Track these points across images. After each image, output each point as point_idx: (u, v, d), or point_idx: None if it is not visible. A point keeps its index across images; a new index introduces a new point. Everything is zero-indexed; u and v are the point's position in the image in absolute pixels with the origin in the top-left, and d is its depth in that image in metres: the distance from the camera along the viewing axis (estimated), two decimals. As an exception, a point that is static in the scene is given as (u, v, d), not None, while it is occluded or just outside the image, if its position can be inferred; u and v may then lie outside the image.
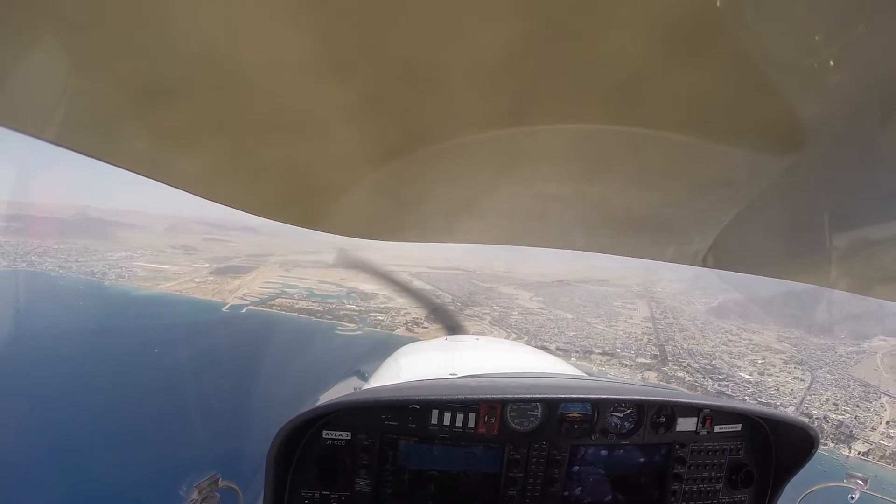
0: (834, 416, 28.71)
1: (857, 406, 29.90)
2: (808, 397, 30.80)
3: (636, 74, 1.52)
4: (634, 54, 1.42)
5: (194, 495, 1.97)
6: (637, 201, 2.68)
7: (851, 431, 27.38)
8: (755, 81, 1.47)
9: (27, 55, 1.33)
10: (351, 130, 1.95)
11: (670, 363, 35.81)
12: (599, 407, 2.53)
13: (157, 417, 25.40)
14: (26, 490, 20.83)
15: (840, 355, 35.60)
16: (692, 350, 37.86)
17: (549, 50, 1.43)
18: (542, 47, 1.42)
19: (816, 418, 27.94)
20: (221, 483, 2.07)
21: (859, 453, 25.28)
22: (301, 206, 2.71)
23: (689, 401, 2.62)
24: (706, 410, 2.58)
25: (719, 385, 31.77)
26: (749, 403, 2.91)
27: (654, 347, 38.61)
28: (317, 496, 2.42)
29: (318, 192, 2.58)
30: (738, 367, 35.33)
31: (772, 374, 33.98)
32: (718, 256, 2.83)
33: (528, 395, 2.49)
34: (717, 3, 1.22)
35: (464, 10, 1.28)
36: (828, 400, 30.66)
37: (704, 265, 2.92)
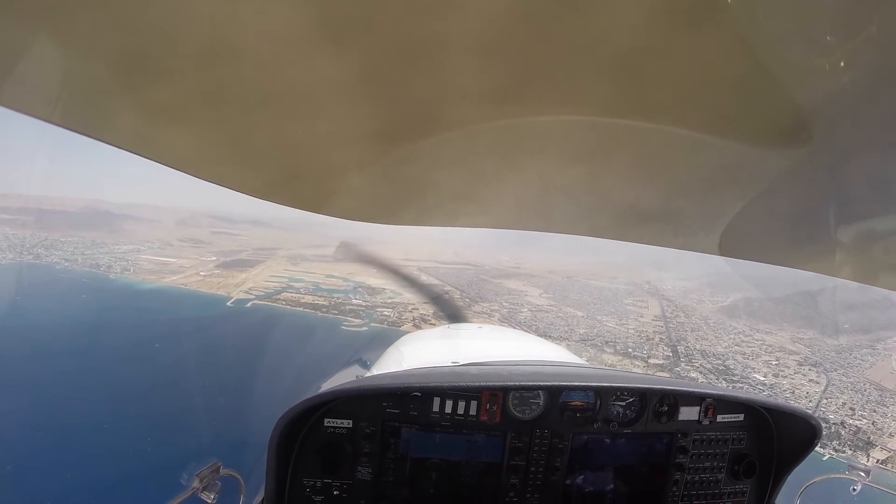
0: (851, 421, 28.01)
1: (874, 411, 29.21)
2: (825, 401, 30.22)
3: (636, 63, 1.51)
4: (634, 42, 1.40)
5: (195, 483, 1.95)
6: (644, 189, 2.65)
7: (869, 438, 26.66)
8: (763, 73, 1.47)
9: (17, 31, 1.31)
10: (349, 109, 1.89)
11: (683, 363, 35.36)
12: (602, 395, 2.52)
13: (154, 411, 25.58)
14: (29, 477, 21.11)
15: (855, 357, 35.14)
16: (705, 351, 37.42)
17: (546, 19, 1.37)
18: (538, 17, 1.36)
19: (833, 423, 27.24)
20: (223, 471, 2.05)
21: (878, 461, 24.27)
22: (300, 188, 2.67)
23: (692, 389, 2.61)
24: (709, 400, 2.58)
25: (734, 387, 31.13)
26: (752, 393, 2.87)
27: (666, 348, 38.20)
28: (318, 484, 2.39)
29: (317, 173, 2.52)
30: (752, 368, 34.92)
31: (786, 376, 33.54)
32: (725, 244, 2.80)
33: (530, 383, 2.45)
34: None
35: None
36: (844, 404, 30.03)
37: (712, 253, 2.92)
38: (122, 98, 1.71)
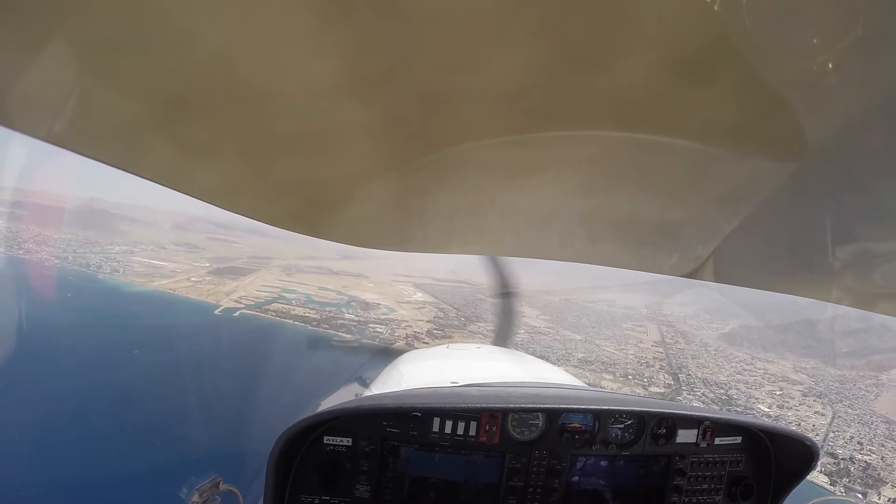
0: (860, 456, 27.02)
1: (883, 445, 28.28)
2: (831, 434, 29.30)
3: (642, 91, 1.57)
4: (640, 89, 1.51)
5: (195, 498, 2.00)
6: (640, 214, 2.69)
7: (879, 474, 25.57)
8: (759, 97, 1.52)
9: (52, 67, 1.37)
10: (364, 147, 2.00)
11: (685, 392, 34.47)
12: (601, 418, 2.54)
13: (123, 419, 25.30)
14: (19, 492, 20.11)
15: (859, 388, 34.51)
16: (707, 379, 36.54)
17: (561, 74, 1.49)
18: (554, 72, 1.48)
19: (842, 458, 26.35)
20: (222, 486, 2.11)
21: (889, 500, 23.21)
22: (311, 217, 2.77)
23: (690, 413, 2.64)
24: (707, 423, 2.60)
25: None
26: (749, 416, 2.93)
27: (666, 375, 37.25)
28: (317, 501, 2.42)
29: (329, 204, 2.63)
30: (756, 398, 34.03)
31: (791, 408, 32.61)
32: (720, 270, 2.83)
33: (530, 405, 2.49)
34: (720, 20, 1.27)
35: (483, 40, 1.36)
36: (852, 438, 29.10)
37: (706, 279, 2.92)
38: (156, 135, 1.79)
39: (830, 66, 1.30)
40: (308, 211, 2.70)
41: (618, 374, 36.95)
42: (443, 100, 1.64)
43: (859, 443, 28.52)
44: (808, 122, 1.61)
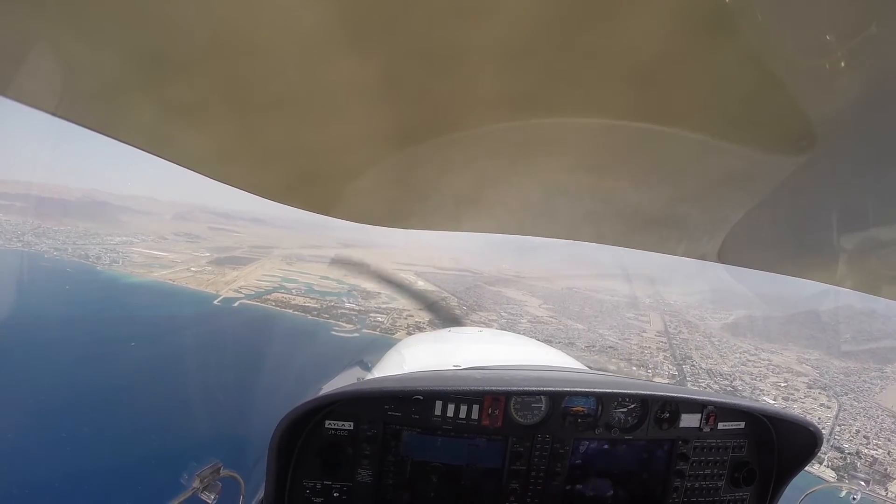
0: (867, 451, 26.78)
1: (889, 440, 28.00)
2: (837, 428, 29.00)
3: (650, 70, 1.53)
4: (650, 50, 1.44)
5: (196, 484, 1.96)
6: (648, 196, 2.67)
7: (886, 470, 25.35)
8: (768, 80, 1.50)
9: (33, 27, 1.33)
10: (362, 113, 1.91)
11: (689, 383, 34.07)
12: (604, 401, 2.55)
13: (115, 412, 25.21)
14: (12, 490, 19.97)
15: (864, 381, 34.18)
16: (711, 370, 36.32)
17: (569, 29, 1.41)
18: (561, 27, 1.40)
19: (849, 453, 26.15)
20: (223, 472, 2.07)
21: (897, 496, 22.94)
22: (309, 190, 2.71)
23: (694, 396, 2.59)
24: (710, 407, 2.58)
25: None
26: (753, 401, 2.95)
27: (671, 366, 36.98)
28: (318, 486, 2.40)
29: (327, 176, 2.57)
30: (761, 390, 33.78)
31: (797, 400, 32.35)
32: (727, 252, 2.80)
33: (533, 388, 2.49)
34: (734, 3, 1.25)
35: None
36: (858, 432, 28.79)
37: (713, 261, 2.89)
38: (138, 97, 1.70)
39: (839, 47, 1.27)
40: (304, 183, 2.62)
41: (622, 367, 36.61)
42: (443, 54, 1.53)
43: (865, 437, 28.24)
44: (815, 106, 1.58)
